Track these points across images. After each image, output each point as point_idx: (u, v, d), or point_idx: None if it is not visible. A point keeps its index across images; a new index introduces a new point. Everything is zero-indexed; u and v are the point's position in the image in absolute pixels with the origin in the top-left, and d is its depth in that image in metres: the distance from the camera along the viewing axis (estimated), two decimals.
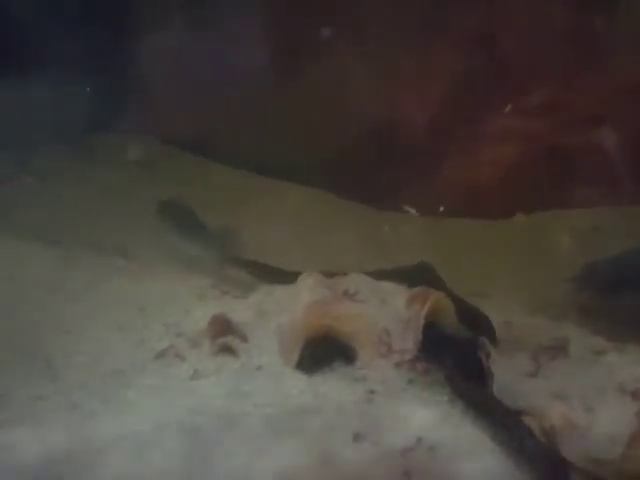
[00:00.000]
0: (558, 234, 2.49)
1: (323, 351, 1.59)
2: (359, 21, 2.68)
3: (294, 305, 1.69)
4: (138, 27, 2.85)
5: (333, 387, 1.47)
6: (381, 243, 2.57)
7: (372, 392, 1.44)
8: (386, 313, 1.67)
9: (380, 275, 1.90)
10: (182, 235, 2.31)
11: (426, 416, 1.34)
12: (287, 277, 1.91)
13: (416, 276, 1.84)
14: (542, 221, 2.63)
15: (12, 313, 1.81)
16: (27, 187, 2.47)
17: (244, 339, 1.65)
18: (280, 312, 1.73)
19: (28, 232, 2.19)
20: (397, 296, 1.76)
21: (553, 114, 2.62)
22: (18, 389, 1.52)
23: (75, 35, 2.55)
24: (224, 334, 1.64)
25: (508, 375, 1.43)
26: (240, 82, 2.72)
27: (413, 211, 2.54)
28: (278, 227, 2.55)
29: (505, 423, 1.29)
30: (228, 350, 1.63)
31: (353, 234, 2.61)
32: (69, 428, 1.37)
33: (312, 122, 2.76)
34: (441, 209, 2.53)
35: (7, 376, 1.57)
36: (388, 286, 1.83)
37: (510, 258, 2.45)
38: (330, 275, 1.88)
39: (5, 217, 2.26)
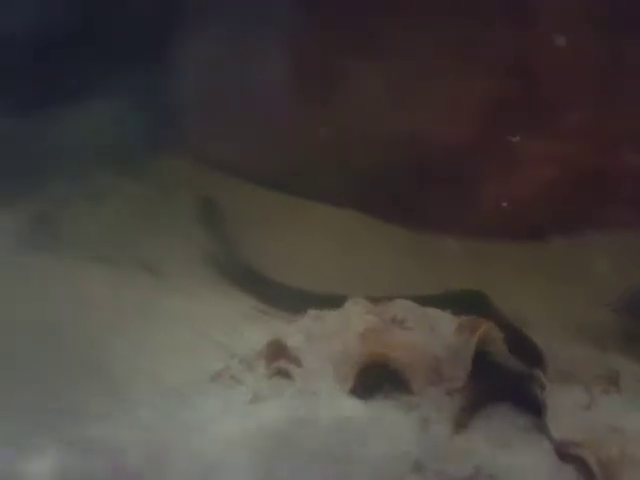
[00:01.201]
0: (595, 257, 2.52)
1: (376, 378, 1.64)
2: (395, 43, 2.73)
3: (345, 331, 1.75)
4: (182, 48, 2.94)
5: (388, 414, 1.52)
6: (419, 265, 2.61)
7: (427, 420, 1.49)
8: (436, 341, 1.72)
9: (426, 300, 1.94)
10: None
11: (483, 444, 1.39)
12: (331, 301, 1.97)
13: (465, 303, 1.89)
14: (579, 243, 2.66)
15: (74, 331, 1.89)
16: (80, 207, 2.55)
17: (298, 364, 1.70)
18: (330, 338, 1.78)
19: (82, 252, 2.27)
20: (445, 323, 1.81)
21: (588, 137, 2.66)
22: (85, 405, 1.59)
23: (127, 59, 2.64)
24: (280, 358, 1.70)
25: (561, 407, 1.46)
26: (273, 102, 2.78)
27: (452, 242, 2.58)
28: (313, 248, 2.61)
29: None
30: (284, 374, 1.68)
31: (389, 256, 2.66)
32: (139, 446, 1.43)
33: (346, 142, 2.82)
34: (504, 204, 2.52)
35: (74, 392, 1.64)
36: (434, 313, 1.88)
37: (547, 282, 2.48)
38: (375, 301, 1.94)
39: (60, 237, 2.34)
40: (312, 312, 1.99)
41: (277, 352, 1.71)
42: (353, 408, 1.55)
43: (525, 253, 2.69)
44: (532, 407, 1.49)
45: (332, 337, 1.79)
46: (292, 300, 2.17)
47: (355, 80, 2.78)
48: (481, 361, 1.65)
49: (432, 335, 1.77)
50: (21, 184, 2.50)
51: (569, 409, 1.45)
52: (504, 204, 2.71)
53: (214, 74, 2.92)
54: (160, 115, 2.88)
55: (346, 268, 2.52)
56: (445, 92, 2.73)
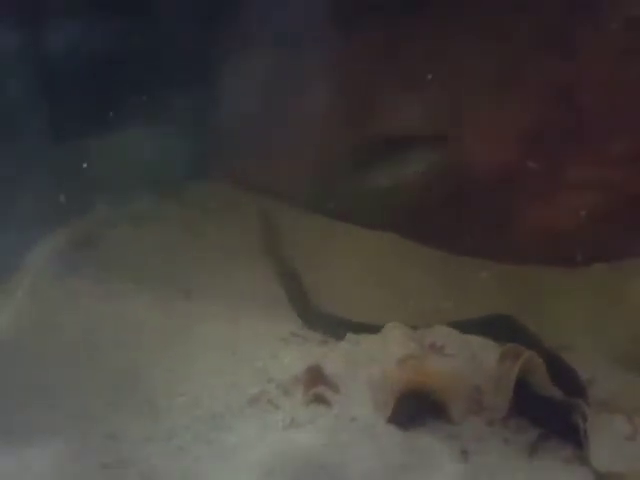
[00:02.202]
0: (638, 284, 2.47)
1: (415, 405, 1.62)
2: (434, 71, 2.74)
3: (384, 357, 1.74)
4: (225, 74, 3.00)
5: (428, 443, 1.51)
6: (457, 289, 2.59)
7: (466, 451, 1.47)
8: (476, 369, 1.70)
9: (461, 326, 1.93)
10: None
11: (525, 476, 1.36)
12: (370, 329, 1.97)
13: (499, 328, 1.87)
14: (622, 270, 2.61)
15: (115, 355, 1.92)
16: (123, 231, 2.60)
17: (336, 390, 1.70)
18: (369, 363, 1.78)
19: (124, 276, 2.31)
20: (486, 351, 1.79)
21: (633, 163, 2.62)
22: (126, 430, 1.61)
23: (169, 86, 2.71)
24: (317, 384, 1.70)
25: (604, 437, 1.43)
26: (313, 127, 2.81)
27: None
28: (350, 271, 2.60)
29: None
30: (321, 400, 1.68)
31: (428, 279, 2.64)
32: (177, 472, 1.45)
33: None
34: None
35: (115, 417, 1.67)
36: (475, 340, 1.87)
37: (590, 308, 2.43)
38: (414, 326, 1.94)
39: (103, 261, 2.39)
40: (351, 336, 2.00)
41: (315, 378, 1.71)
42: (392, 436, 1.54)
43: (568, 279, 2.64)
44: (574, 438, 1.46)
45: (371, 363, 1.78)
46: (331, 326, 2.18)
47: (391, 108, 2.79)
48: (523, 391, 1.63)
49: (473, 363, 1.75)
50: (67, 208, 2.56)
51: (612, 440, 1.42)
52: (548, 229, 2.68)
53: (255, 99, 2.97)
54: (203, 140, 2.94)
55: (383, 291, 2.52)
56: (491, 119, 2.72)
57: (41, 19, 2.65)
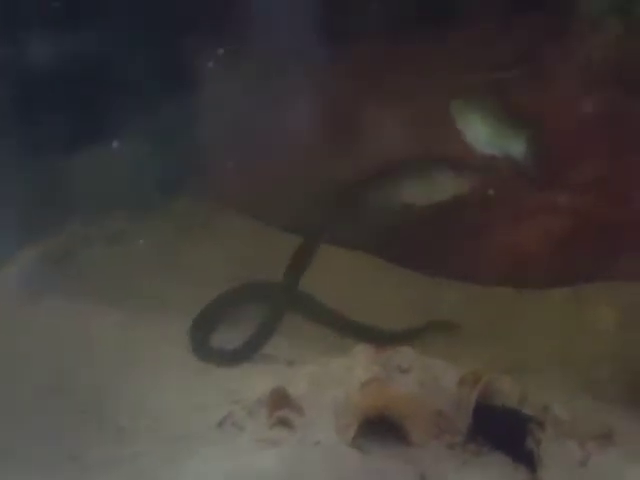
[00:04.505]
0: (602, 308, 2.53)
1: (377, 429, 1.65)
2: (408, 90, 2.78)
3: (349, 380, 1.77)
4: (203, 92, 3.02)
5: (388, 467, 1.54)
6: (426, 310, 2.63)
7: (423, 475, 1.50)
8: (438, 393, 1.74)
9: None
10: None
11: None
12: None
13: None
14: (586, 294, 2.66)
15: (81, 375, 1.93)
16: (97, 249, 2.61)
17: (301, 413, 1.72)
18: (335, 386, 1.80)
19: (95, 295, 2.32)
20: (448, 374, 1.82)
21: (597, 189, 2.69)
22: (89, 451, 1.62)
23: (146, 101, 2.71)
24: (282, 407, 1.72)
25: (557, 463, 1.47)
26: (290, 147, 2.83)
27: None
28: (325, 290, 2.63)
29: None
30: (285, 423, 1.70)
31: (396, 299, 2.68)
32: None
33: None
34: None
35: (78, 438, 1.67)
36: (439, 363, 1.90)
37: (553, 331, 2.48)
38: (380, 348, 1.97)
39: (75, 278, 2.40)
40: (319, 358, 2.02)
41: (280, 401, 1.73)
42: (353, 460, 1.56)
43: (534, 302, 2.69)
44: (528, 462, 1.49)
45: (336, 386, 1.81)
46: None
47: (370, 127, 2.83)
48: (482, 414, 1.67)
49: (435, 386, 1.78)
50: (40, 225, 2.57)
51: (564, 465, 1.46)
52: (513, 253, 2.74)
53: (232, 117, 2.99)
54: (181, 157, 2.95)
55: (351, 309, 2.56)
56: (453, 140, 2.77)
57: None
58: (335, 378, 1.84)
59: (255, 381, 1.97)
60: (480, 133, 2.23)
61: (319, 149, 2.83)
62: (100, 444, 1.67)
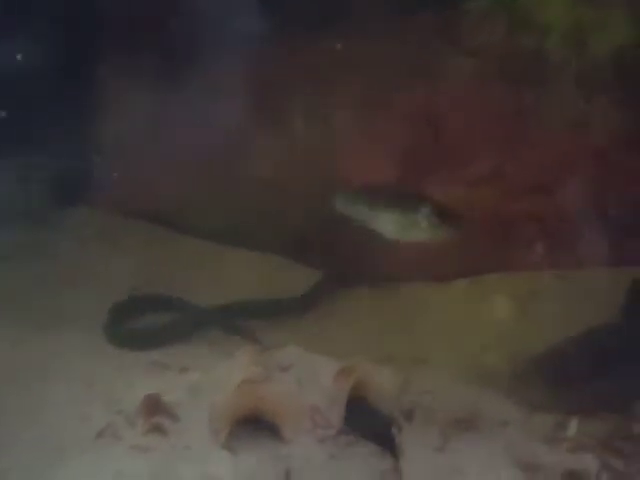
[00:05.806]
0: (499, 297, 2.59)
1: (251, 430, 1.66)
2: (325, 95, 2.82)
3: (228, 384, 1.78)
4: (102, 101, 2.99)
5: (255, 466, 1.55)
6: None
7: (289, 470, 1.52)
8: (315, 388, 1.75)
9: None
10: None
11: None
12: None
13: None
14: (480, 285, 2.72)
15: None
16: None
17: (176, 419, 1.72)
18: (215, 390, 1.80)
19: None
20: (328, 370, 1.84)
21: (491, 183, 2.76)
22: None
23: (41, 110, 2.67)
24: (156, 414, 1.72)
25: (417, 449, 1.50)
26: (205, 154, 2.84)
27: None
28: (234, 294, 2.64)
29: None
30: (159, 430, 1.70)
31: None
32: None
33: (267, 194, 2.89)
34: None
35: None
36: (321, 359, 1.92)
37: (450, 323, 2.54)
38: (265, 348, 1.99)
39: None
40: (203, 364, 2.03)
41: (153, 408, 1.73)
42: (222, 462, 1.57)
43: (435, 295, 2.75)
44: (392, 450, 1.52)
45: (216, 390, 1.81)
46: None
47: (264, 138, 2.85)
48: (355, 407, 1.69)
49: (313, 382, 1.80)
50: None
51: (423, 451, 1.49)
52: (414, 247, 2.78)
53: (144, 126, 2.97)
54: (79, 166, 2.91)
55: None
56: (358, 146, 2.81)
57: None
58: (216, 382, 1.85)
59: (140, 390, 1.95)
60: (386, 222, 2.06)
61: (219, 153, 2.84)
62: None
